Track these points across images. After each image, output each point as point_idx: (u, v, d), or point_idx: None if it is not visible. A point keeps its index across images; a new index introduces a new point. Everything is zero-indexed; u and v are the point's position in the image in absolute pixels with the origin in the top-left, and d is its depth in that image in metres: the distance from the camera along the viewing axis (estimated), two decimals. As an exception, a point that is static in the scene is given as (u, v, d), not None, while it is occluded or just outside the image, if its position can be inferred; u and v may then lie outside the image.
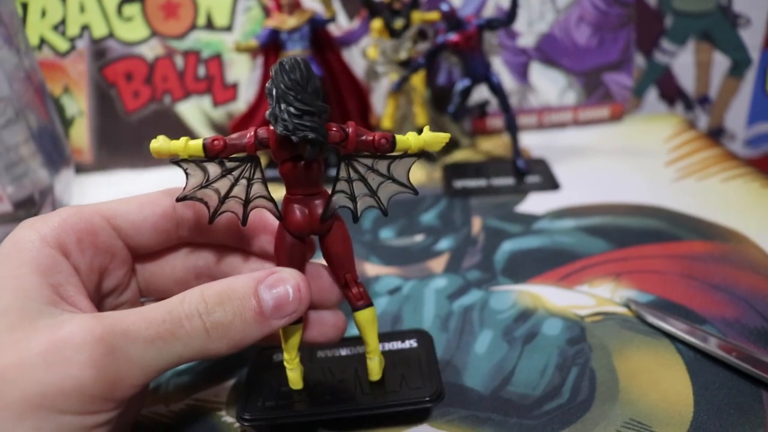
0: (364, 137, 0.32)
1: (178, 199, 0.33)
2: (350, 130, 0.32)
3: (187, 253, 0.38)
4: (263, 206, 0.33)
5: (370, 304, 0.36)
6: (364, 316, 0.36)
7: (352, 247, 0.36)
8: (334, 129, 0.32)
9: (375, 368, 0.37)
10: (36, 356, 0.26)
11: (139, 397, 0.36)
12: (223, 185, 0.33)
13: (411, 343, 0.41)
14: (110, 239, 0.34)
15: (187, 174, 0.32)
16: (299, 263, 0.35)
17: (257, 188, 0.33)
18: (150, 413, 0.40)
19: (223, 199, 0.33)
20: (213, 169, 0.32)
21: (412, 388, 0.37)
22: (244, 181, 0.33)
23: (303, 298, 0.32)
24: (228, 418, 0.39)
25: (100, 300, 0.35)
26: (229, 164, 0.32)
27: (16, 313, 0.27)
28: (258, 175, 0.33)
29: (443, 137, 0.33)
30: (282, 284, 0.32)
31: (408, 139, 0.32)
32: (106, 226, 0.34)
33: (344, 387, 0.38)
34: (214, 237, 0.38)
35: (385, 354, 0.39)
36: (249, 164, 0.33)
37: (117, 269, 0.35)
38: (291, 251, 0.34)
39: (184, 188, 0.33)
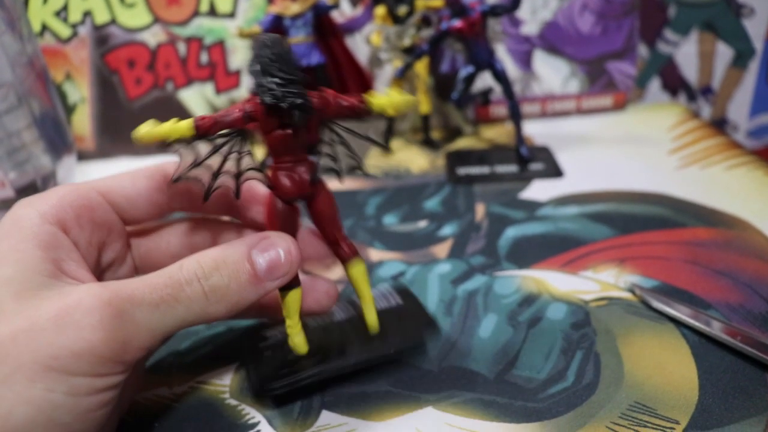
0: (343, 102, 0.34)
1: (173, 181, 0.33)
2: (329, 95, 0.34)
3: (182, 230, 0.39)
4: (254, 177, 0.34)
5: (359, 256, 0.37)
6: (357, 267, 0.37)
7: (337, 206, 0.37)
8: (315, 97, 0.33)
9: (373, 318, 0.38)
10: (47, 321, 0.27)
11: (135, 378, 0.36)
12: (214, 162, 0.34)
13: (395, 300, 0.44)
14: (107, 214, 0.35)
15: (179, 155, 0.33)
16: (292, 228, 0.36)
17: (247, 161, 0.34)
18: (153, 396, 0.40)
19: (215, 175, 0.34)
20: (203, 147, 0.33)
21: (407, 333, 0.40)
22: (234, 156, 0.34)
23: (294, 260, 0.34)
24: (232, 400, 0.39)
25: (99, 275, 0.36)
26: (218, 141, 0.33)
27: (20, 283, 0.28)
28: (247, 148, 0.34)
29: (411, 100, 0.34)
30: (273, 248, 0.33)
31: (381, 101, 0.34)
32: (102, 201, 0.35)
33: (347, 343, 0.40)
34: (207, 208, 0.39)
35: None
36: (238, 138, 0.34)
37: (114, 243, 0.36)
38: (284, 218, 0.35)
39: (177, 169, 0.33)
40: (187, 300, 0.31)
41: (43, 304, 0.28)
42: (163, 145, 0.32)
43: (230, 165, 0.34)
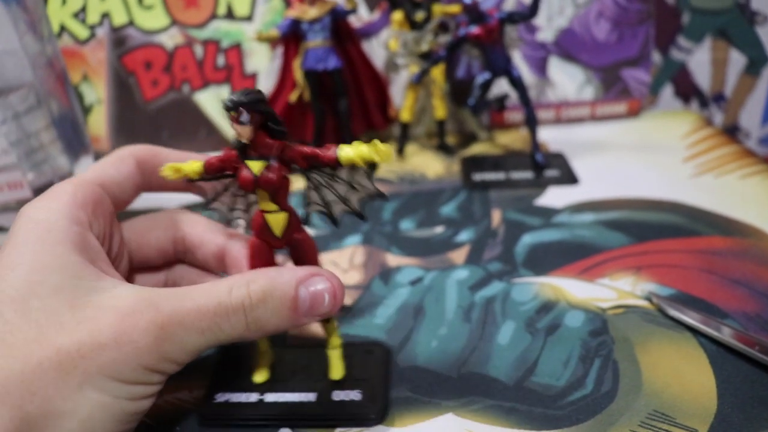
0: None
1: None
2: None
3: (167, 225, 0.41)
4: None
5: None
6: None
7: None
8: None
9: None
10: (107, 337, 0.29)
11: None
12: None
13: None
14: (109, 207, 0.37)
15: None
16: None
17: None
18: (174, 399, 0.40)
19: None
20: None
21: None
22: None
23: (337, 304, 0.35)
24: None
25: None
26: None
27: (71, 290, 0.30)
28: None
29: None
30: (321, 287, 0.34)
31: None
32: (104, 194, 0.36)
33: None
34: (174, 186, 0.40)
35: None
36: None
37: (116, 234, 0.38)
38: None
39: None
40: (230, 329, 0.32)
41: (98, 315, 0.30)
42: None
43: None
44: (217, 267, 0.42)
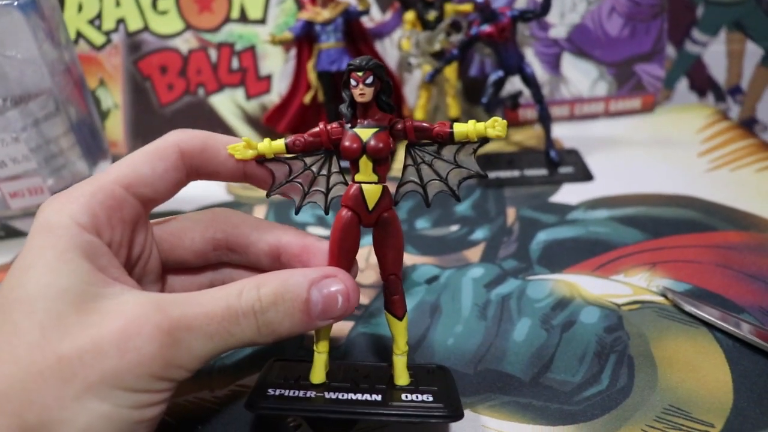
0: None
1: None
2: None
3: (204, 227, 0.39)
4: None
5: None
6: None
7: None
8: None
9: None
10: (110, 343, 0.29)
11: None
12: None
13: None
14: (133, 209, 0.35)
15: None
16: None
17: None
18: (195, 399, 0.41)
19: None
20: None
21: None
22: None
23: (351, 306, 0.34)
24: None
25: (130, 270, 0.36)
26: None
27: (78, 295, 0.29)
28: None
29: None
30: (334, 289, 0.33)
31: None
32: (127, 196, 0.34)
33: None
34: (221, 176, 0.38)
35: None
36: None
37: (140, 236, 0.36)
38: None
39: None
40: (240, 333, 0.32)
41: (103, 321, 0.29)
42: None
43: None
44: (270, 266, 0.39)
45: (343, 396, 0.36)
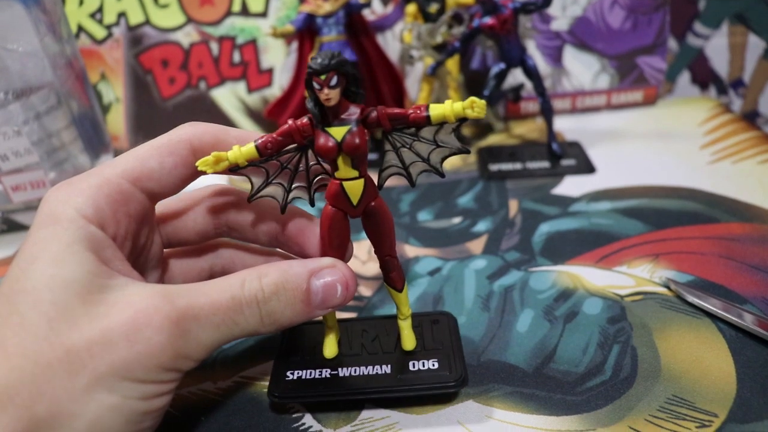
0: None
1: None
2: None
3: (207, 207, 0.39)
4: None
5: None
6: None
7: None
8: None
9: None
10: (119, 334, 0.29)
11: None
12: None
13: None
14: (140, 204, 0.35)
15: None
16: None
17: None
18: (198, 390, 0.41)
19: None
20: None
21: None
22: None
23: (349, 295, 0.35)
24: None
25: (134, 261, 0.36)
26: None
27: (84, 286, 0.29)
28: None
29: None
30: (332, 279, 0.34)
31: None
32: (134, 191, 0.34)
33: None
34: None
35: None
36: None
37: (145, 228, 0.37)
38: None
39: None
40: (245, 322, 0.33)
41: (111, 312, 0.29)
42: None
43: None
44: (268, 244, 0.40)
45: (355, 371, 0.39)
